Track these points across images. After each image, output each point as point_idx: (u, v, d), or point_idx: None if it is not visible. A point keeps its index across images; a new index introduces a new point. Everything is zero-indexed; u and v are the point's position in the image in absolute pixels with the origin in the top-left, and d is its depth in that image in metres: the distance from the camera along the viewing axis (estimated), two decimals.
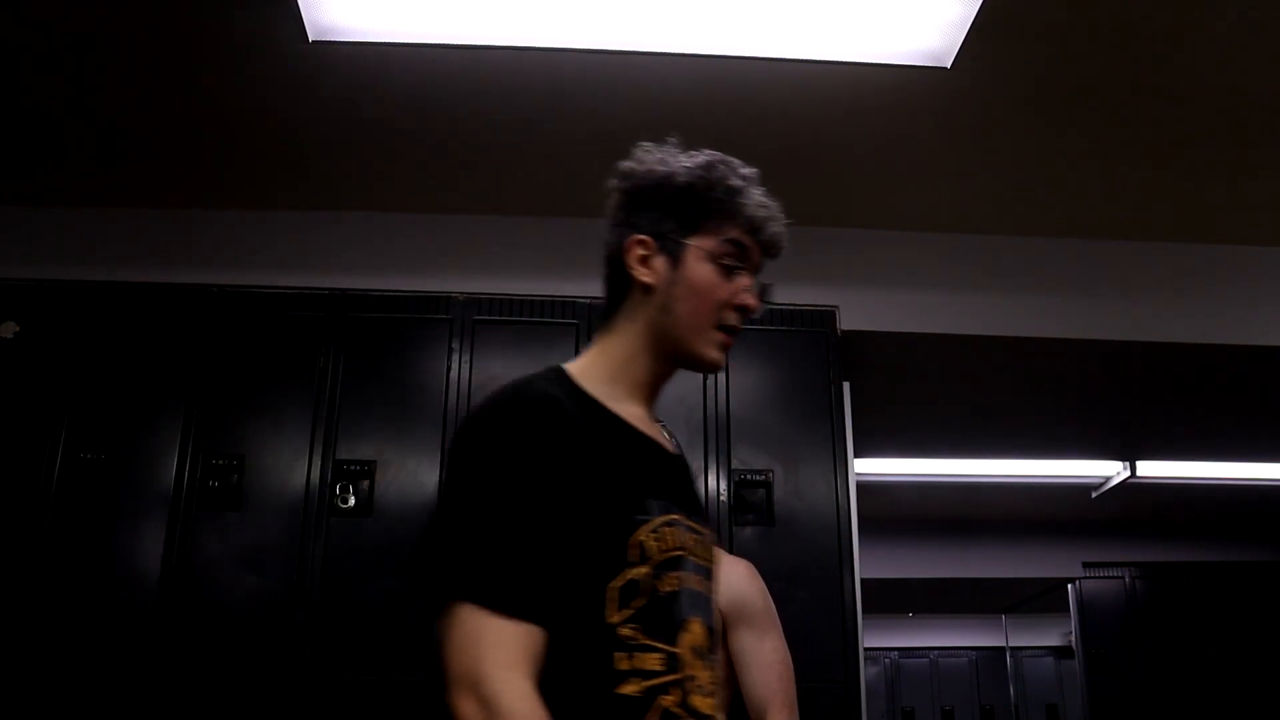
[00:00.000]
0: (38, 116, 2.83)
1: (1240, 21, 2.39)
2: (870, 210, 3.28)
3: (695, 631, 1.04)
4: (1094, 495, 5.27)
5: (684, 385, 2.97)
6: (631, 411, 1.12)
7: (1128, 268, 3.39)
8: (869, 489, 4.37)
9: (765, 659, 1.55)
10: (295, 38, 2.47)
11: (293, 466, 2.84)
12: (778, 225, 1.16)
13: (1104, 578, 6.36)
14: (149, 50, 2.54)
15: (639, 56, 2.56)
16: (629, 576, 0.99)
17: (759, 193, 1.14)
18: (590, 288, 3.15)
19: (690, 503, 1.13)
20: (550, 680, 0.95)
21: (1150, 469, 4.86)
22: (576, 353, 1.17)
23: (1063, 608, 6.71)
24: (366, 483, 2.82)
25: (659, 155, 1.15)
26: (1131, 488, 5.04)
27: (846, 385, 3.09)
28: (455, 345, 3.00)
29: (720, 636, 1.45)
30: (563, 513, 0.97)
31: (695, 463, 2.83)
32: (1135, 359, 3.47)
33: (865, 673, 2.86)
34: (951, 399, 4.00)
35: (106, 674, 2.62)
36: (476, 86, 2.68)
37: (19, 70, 2.62)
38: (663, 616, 1.01)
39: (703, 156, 1.13)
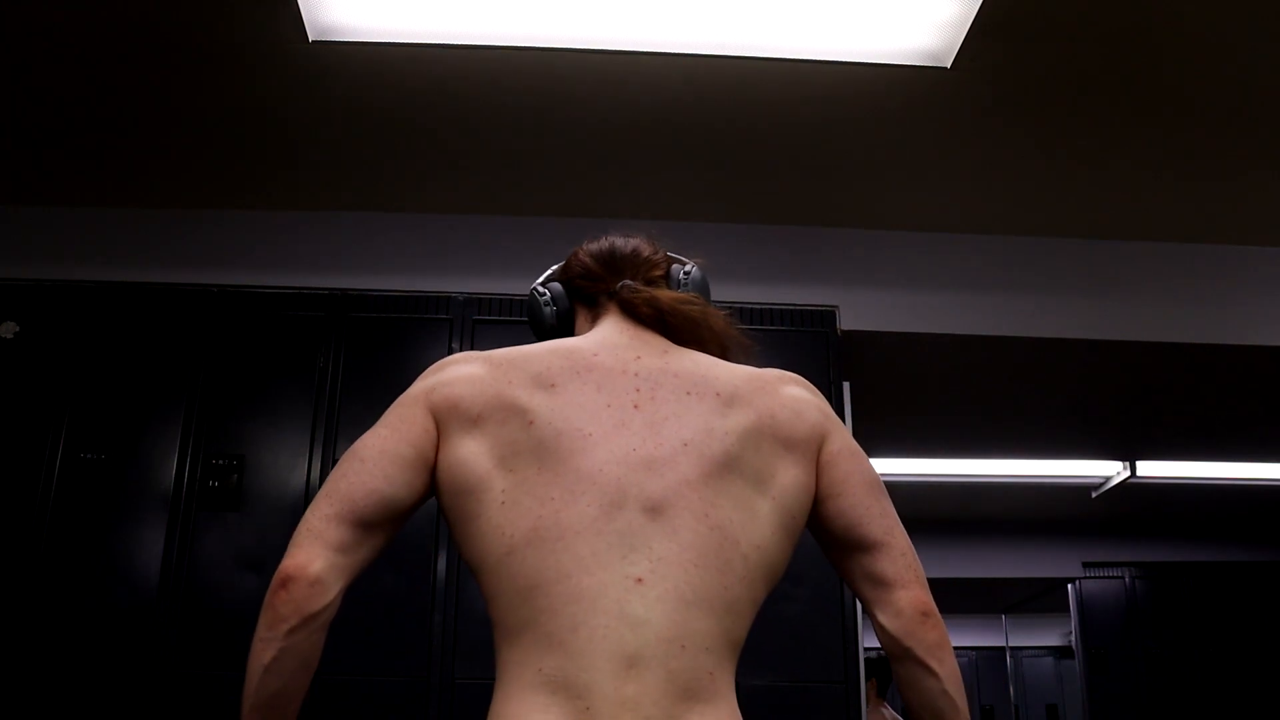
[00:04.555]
0: (38, 116, 2.83)
1: (1241, 21, 2.39)
2: (870, 210, 3.28)
3: None
4: (1094, 495, 5.27)
5: None
6: None
7: (1128, 268, 3.39)
8: None
9: None
10: (295, 38, 2.47)
11: (293, 466, 2.84)
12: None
13: (1104, 578, 6.36)
14: (149, 50, 2.54)
15: (639, 56, 2.56)
16: None
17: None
18: None
19: None
20: None
21: (1150, 469, 4.87)
22: None
23: (1063, 608, 6.71)
24: None
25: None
26: (1131, 488, 5.04)
27: (846, 385, 3.09)
28: (455, 345, 3.00)
29: None
30: None
31: None
32: (1135, 359, 3.48)
33: (865, 673, 2.86)
34: (951, 399, 4.00)
35: (106, 674, 2.62)
36: (476, 86, 2.68)
37: (19, 70, 2.62)
38: None
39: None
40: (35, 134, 2.91)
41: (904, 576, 1.09)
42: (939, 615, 1.08)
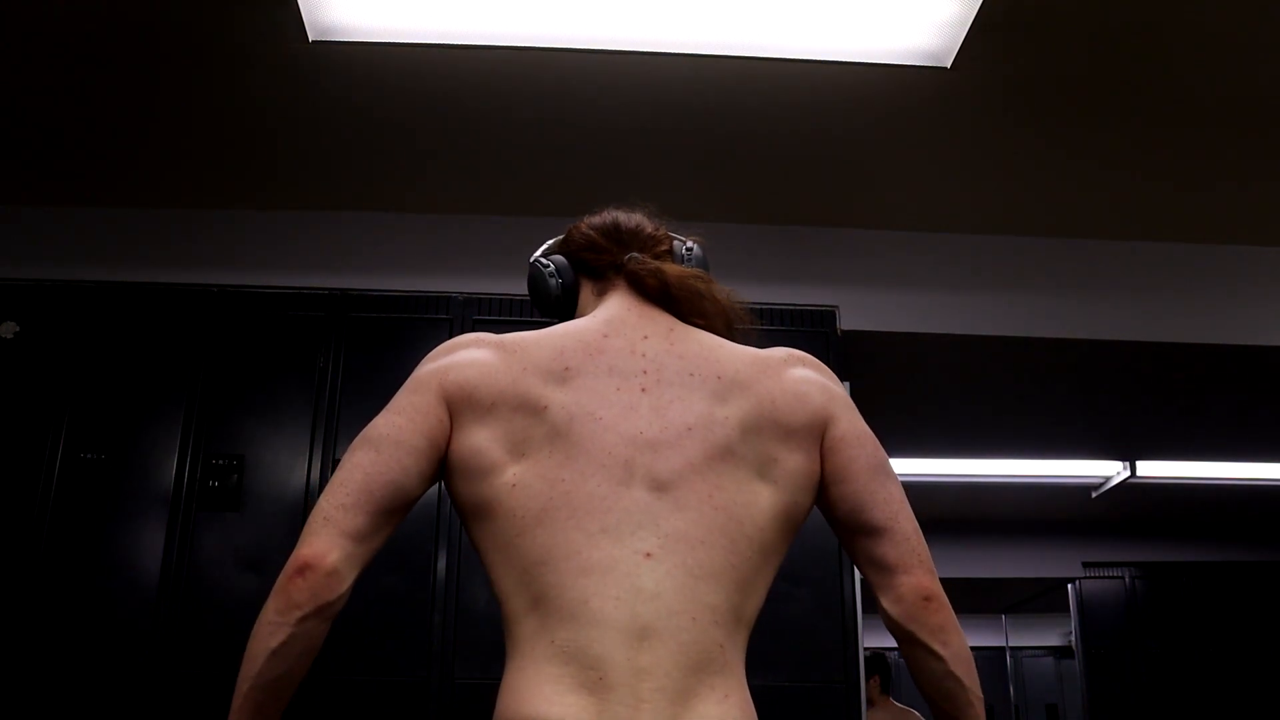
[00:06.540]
0: (38, 116, 2.83)
1: (1242, 21, 2.39)
2: (870, 210, 3.28)
3: None
4: (1094, 495, 5.27)
5: None
6: None
7: (1128, 268, 3.39)
8: None
9: None
10: (295, 38, 2.47)
11: (293, 466, 2.84)
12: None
13: (1104, 578, 6.36)
14: (149, 50, 2.54)
15: (639, 56, 2.56)
16: None
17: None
18: None
19: None
20: None
21: (1150, 469, 4.86)
22: None
23: (1063, 608, 6.71)
24: None
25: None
26: (1131, 488, 5.04)
27: (846, 385, 3.08)
28: None
29: None
30: None
31: None
32: (1135, 359, 3.48)
33: (865, 672, 2.86)
34: (951, 399, 4.00)
35: (106, 674, 2.62)
36: (476, 86, 2.68)
37: (19, 70, 2.62)
38: None
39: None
40: (35, 134, 2.91)
41: (906, 561, 1.09)
42: (944, 599, 1.08)
